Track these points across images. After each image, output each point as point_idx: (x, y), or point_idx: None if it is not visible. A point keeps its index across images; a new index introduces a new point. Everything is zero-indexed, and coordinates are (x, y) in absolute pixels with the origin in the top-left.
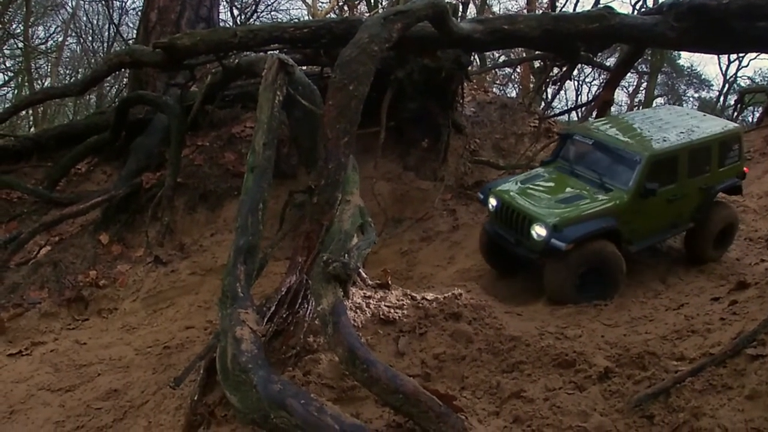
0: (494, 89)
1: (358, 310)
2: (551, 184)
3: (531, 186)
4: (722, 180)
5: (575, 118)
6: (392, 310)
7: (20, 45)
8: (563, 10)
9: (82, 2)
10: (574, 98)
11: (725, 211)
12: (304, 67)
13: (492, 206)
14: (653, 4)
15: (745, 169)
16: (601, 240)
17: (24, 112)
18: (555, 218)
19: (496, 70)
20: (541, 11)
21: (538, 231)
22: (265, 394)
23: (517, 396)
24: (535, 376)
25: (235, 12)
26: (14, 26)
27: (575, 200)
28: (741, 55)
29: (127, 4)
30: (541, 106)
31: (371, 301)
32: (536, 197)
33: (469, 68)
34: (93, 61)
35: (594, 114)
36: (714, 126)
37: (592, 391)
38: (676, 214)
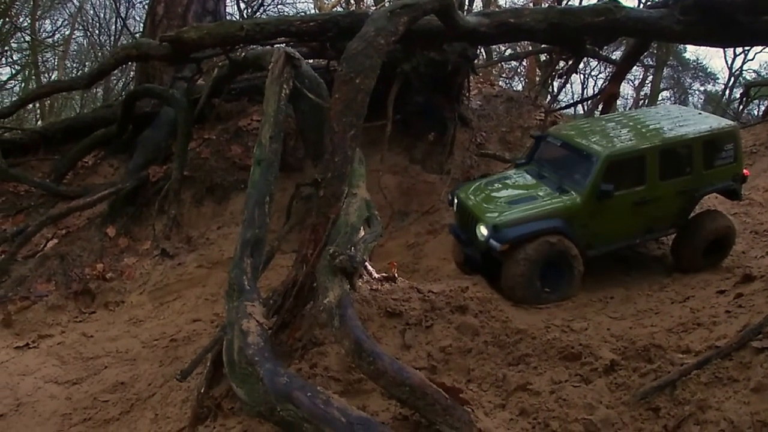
0: (500, 82)
1: (364, 303)
2: (511, 185)
3: (492, 187)
4: (710, 183)
5: (581, 111)
6: (399, 303)
7: (27, 38)
8: (569, 3)
9: None
10: (580, 91)
11: (718, 221)
12: (311, 61)
13: (454, 205)
14: None
15: (744, 171)
16: (548, 236)
17: (31, 106)
18: (496, 219)
19: (502, 63)
20: (547, 5)
21: (482, 231)
22: (271, 387)
23: (523, 389)
24: (541, 368)
25: (242, 5)
26: (21, 20)
27: (525, 202)
28: (747, 48)
29: None
30: (547, 100)
31: (378, 293)
32: (490, 198)
33: (476, 61)
34: (100, 54)
35: (600, 107)
36: (700, 125)
37: (598, 383)
38: (648, 219)
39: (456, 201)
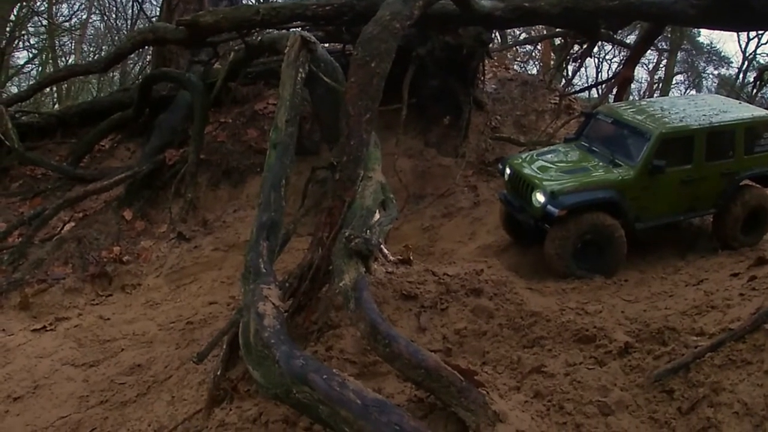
0: (515, 66)
1: (380, 286)
2: (564, 157)
3: (544, 158)
4: (749, 167)
5: (595, 95)
6: (414, 286)
7: (44, 22)
8: None
9: None
10: (595, 75)
11: (751, 192)
12: (327, 45)
13: (506, 175)
14: None
15: None
16: (599, 212)
17: (48, 89)
18: (554, 186)
19: (517, 47)
20: None
21: (538, 197)
22: (287, 369)
23: (538, 371)
24: (556, 351)
25: None
26: (38, 4)
27: (580, 172)
28: (760, 32)
29: None
30: (562, 83)
31: (393, 276)
32: (545, 168)
33: (490, 45)
34: (116, 38)
35: (614, 91)
36: (742, 113)
37: (613, 366)
38: (692, 198)
39: (509, 170)
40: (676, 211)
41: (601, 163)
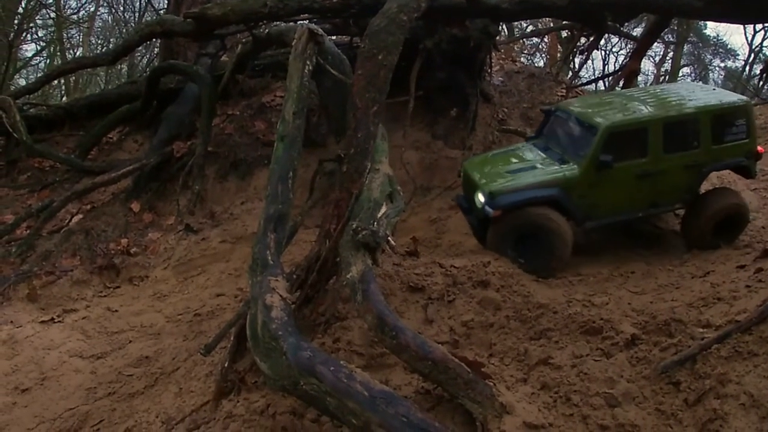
0: (522, 59)
1: (387, 278)
2: (516, 157)
3: (497, 159)
4: (720, 158)
5: (602, 88)
6: (421, 278)
7: (52, 15)
8: None
9: None
10: (601, 68)
11: (727, 198)
12: (334, 37)
13: (460, 176)
14: None
15: (759, 148)
16: (540, 207)
17: (56, 82)
18: (493, 186)
19: (524, 39)
20: None
21: (479, 198)
22: (294, 361)
23: (545, 363)
24: (563, 343)
25: None
26: None
27: (524, 171)
28: (767, 24)
29: None
30: (569, 76)
31: (400, 268)
32: (492, 169)
33: (497, 38)
34: (124, 30)
35: (621, 83)
36: (710, 100)
37: (619, 358)
38: (653, 192)
39: (462, 171)
40: (635, 208)
41: (550, 161)
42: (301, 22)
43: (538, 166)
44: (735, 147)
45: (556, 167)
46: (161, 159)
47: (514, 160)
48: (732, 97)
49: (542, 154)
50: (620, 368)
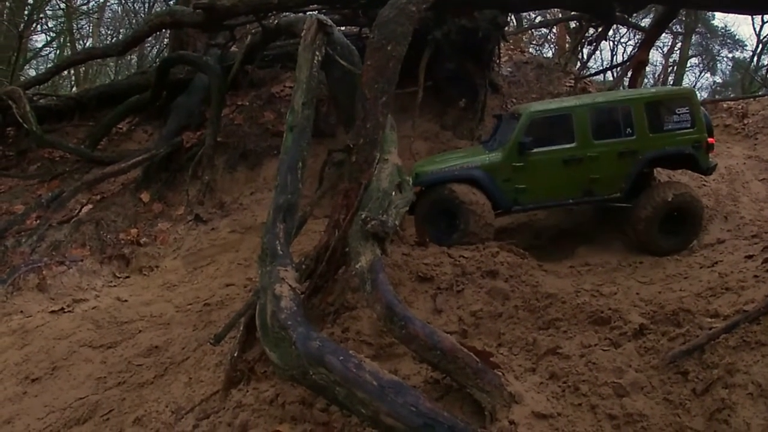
0: (530, 49)
1: (396, 268)
2: (459, 152)
3: (445, 154)
4: (658, 146)
5: (611, 78)
6: (430, 268)
7: (62, 5)
8: None
9: None
10: (610, 58)
11: (674, 191)
12: (343, 28)
13: None
14: None
15: (709, 139)
16: (457, 183)
17: (66, 72)
18: (418, 169)
19: (533, 30)
20: None
21: (410, 180)
22: (304, 351)
23: (553, 352)
24: (571, 332)
25: None
26: None
27: (452, 160)
28: None
29: None
30: (577, 66)
31: (409, 258)
32: (432, 160)
33: (506, 29)
34: (134, 21)
35: (629, 74)
36: (648, 89)
37: (628, 347)
38: (585, 180)
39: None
40: (566, 194)
41: (481, 152)
42: (311, 12)
43: (466, 155)
44: (677, 136)
45: (483, 155)
46: (171, 149)
47: (455, 154)
48: (674, 88)
49: (480, 149)
50: (628, 358)
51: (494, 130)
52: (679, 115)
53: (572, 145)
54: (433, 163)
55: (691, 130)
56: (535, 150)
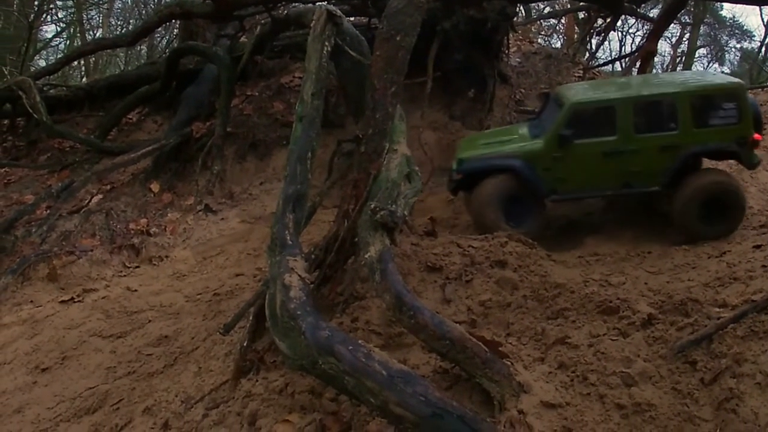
0: (539, 40)
1: (405, 258)
2: (502, 134)
3: (487, 134)
4: (702, 142)
5: (619, 69)
6: (439, 258)
7: None
8: None
9: None
10: (618, 49)
11: (712, 178)
12: (352, 18)
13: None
14: None
15: (756, 135)
16: (502, 175)
17: (76, 63)
18: (462, 155)
19: (541, 21)
20: None
21: (454, 165)
22: (313, 341)
23: (562, 342)
24: (580, 322)
25: None
26: None
27: (495, 144)
28: None
29: None
30: (586, 57)
31: (418, 248)
32: (475, 142)
33: (515, 19)
34: (144, 12)
35: (637, 64)
36: (690, 82)
37: (636, 337)
38: (624, 172)
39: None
40: (604, 186)
41: (526, 137)
42: (320, 3)
43: (513, 140)
44: (722, 131)
45: (526, 142)
46: (180, 140)
47: (498, 136)
48: (724, 80)
49: (527, 131)
50: (637, 348)
51: (541, 109)
52: (725, 110)
53: (613, 138)
54: (476, 147)
55: (737, 125)
56: (575, 141)
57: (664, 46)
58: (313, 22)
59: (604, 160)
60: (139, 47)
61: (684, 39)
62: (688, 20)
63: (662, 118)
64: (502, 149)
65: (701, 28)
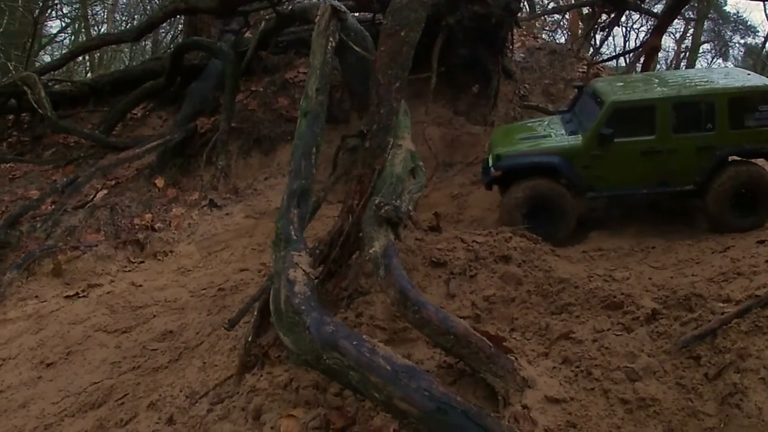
0: (543, 35)
1: (409, 253)
2: (537, 127)
3: (521, 127)
4: (737, 143)
5: (623, 64)
6: (443, 253)
7: None
8: None
9: None
10: (622, 44)
11: (740, 168)
12: (357, 14)
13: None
14: None
15: None
16: (542, 178)
17: (81, 58)
18: (500, 150)
19: (545, 16)
20: None
21: (490, 160)
22: (318, 336)
23: (566, 337)
24: (584, 317)
25: None
26: None
27: (533, 140)
28: None
29: None
30: (590, 52)
31: (422, 243)
32: (511, 135)
33: (519, 14)
34: (149, 7)
35: (641, 60)
36: (730, 82)
37: (640, 332)
38: (661, 171)
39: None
40: (640, 184)
41: (563, 133)
42: None
43: (551, 136)
44: (758, 133)
45: (564, 138)
46: (185, 135)
47: (534, 130)
48: (759, 81)
49: (562, 126)
50: (641, 343)
51: (573, 102)
52: (761, 111)
53: (652, 137)
54: (512, 142)
55: None
56: (615, 140)
57: (668, 42)
58: (318, 17)
59: (641, 159)
60: (143, 42)
61: (688, 34)
62: (692, 16)
63: (700, 118)
64: (541, 145)
65: (705, 23)
